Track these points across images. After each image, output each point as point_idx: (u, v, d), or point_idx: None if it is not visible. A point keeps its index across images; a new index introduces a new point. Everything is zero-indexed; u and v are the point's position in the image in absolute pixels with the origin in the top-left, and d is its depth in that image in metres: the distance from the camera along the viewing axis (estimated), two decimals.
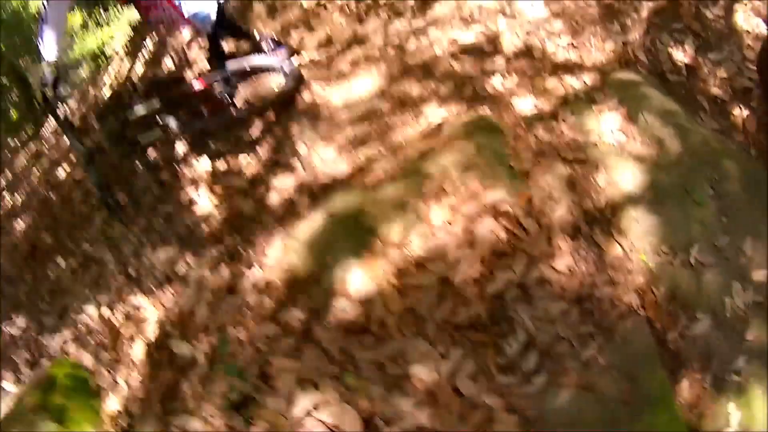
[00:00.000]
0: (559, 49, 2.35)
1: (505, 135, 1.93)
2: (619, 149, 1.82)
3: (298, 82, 2.77)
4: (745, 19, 2.46)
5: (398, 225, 1.73)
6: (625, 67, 2.23)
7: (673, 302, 1.52)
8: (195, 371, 1.78)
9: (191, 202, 2.61)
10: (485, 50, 2.48)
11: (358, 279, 1.69)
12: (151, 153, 2.94)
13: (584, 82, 2.15)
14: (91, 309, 2.34)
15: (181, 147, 2.88)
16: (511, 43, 2.45)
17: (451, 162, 1.77)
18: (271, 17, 3.25)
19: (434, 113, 2.21)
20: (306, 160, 2.39)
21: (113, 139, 2.81)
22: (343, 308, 1.59)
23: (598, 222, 1.64)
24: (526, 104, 2.10)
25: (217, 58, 2.76)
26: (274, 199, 2.33)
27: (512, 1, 2.65)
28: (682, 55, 2.32)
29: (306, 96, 2.72)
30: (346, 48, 2.94)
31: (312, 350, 1.53)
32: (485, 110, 2.11)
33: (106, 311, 2.32)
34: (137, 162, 2.96)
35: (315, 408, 1.44)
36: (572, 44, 2.36)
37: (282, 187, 2.34)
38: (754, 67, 2.31)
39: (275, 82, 2.86)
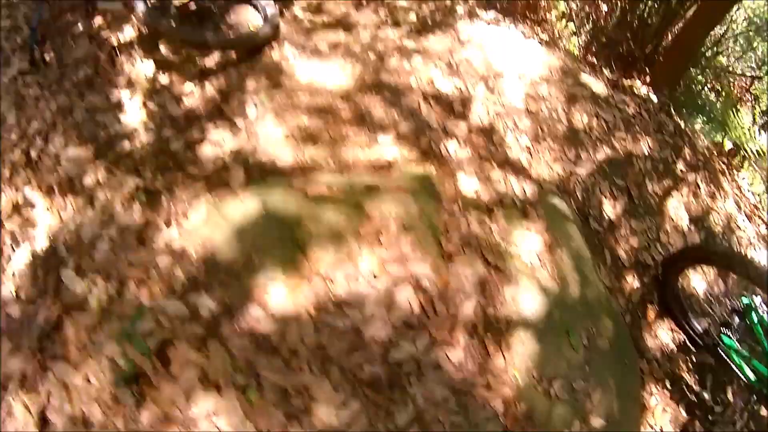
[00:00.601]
0: (516, 146, 2.65)
1: (443, 206, 2.18)
2: (531, 272, 2.12)
3: (274, 31, 2.84)
4: (674, 208, 3.00)
5: (330, 255, 1.86)
6: (560, 195, 2.59)
7: (529, 421, 1.81)
8: (84, 317, 1.75)
9: (120, 105, 2.57)
10: (454, 108, 2.71)
11: (280, 294, 1.79)
12: (100, 22, 2.88)
13: (523, 190, 2.44)
14: None
15: (131, 33, 2.82)
16: (478, 115, 2.71)
17: (394, 214, 1.96)
18: None
19: (388, 148, 2.36)
20: (250, 126, 2.43)
21: None
22: (258, 318, 1.69)
23: (493, 330, 1.90)
24: (469, 184, 2.34)
25: None
26: (206, 152, 2.34)
27: (498, 77, 2.98)
28: (611, 209, 2.75)
29: (274, 54, 2.77)
30: (332, 25, 3.09)
31: (219, 350, 1.60)
32: (432, 170, 2.32)
33: None
34: (81, 24, 2.89)
35: (214, 413, 1.52)
36: (529, 148, 2.68)
37: (218, 141, 2.36)
38: (661, 250, 2.83)
39: (252, 21, 2.92)
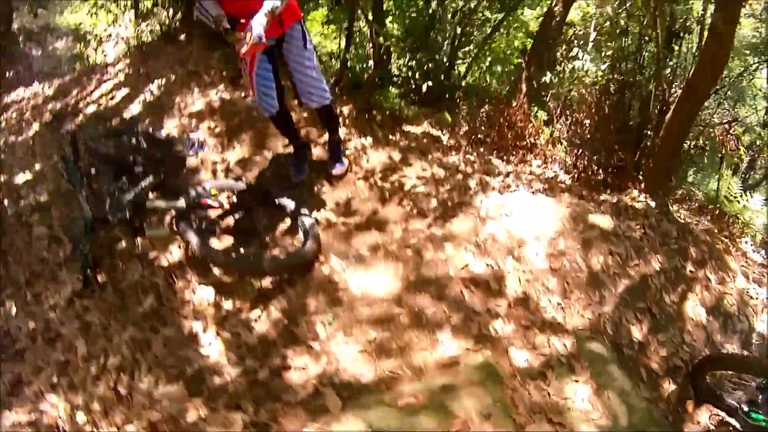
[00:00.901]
0: (550, 307, 3.47)
1: (506, 384, 2.95)
2: (585, 417, 2.86)
3: (318, 244, 3.62)
4: (692, 308, 3.78)
5: None
6: (595, 337, 3.36)
7: None
8: None
9: (195, 337, 3.16)
10: (491, 287, 3.55)
11: None
12: (146, 242, 3.64)
13: (564, 346, 3.22)
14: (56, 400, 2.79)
15: (179, 254, 3.58)
16: (513, 287, 3.54)
17: (473, 407, 2.71)
18: None
19: (449, 344, 3.15)
20: (324, 346, 3.17)
21: (115, 209, 3.36)
22: None
23: None
24: (520, 357, 3.11)
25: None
26: (294, 378, 2.97)
27: (522, 244, 3.84)
28: (638, 332, 3.51)
29: (324, 268, 3.62)
30: (365, 226, 3.97)
31: None
32: (488, 353, 3.10)
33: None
34: (126, 242, 3.65)
35: None
36: (560, 305, 3.49)
37: (301, 366, 3.05)
38: (688, 349, 3.57)
39: (296, 237, 3.79)
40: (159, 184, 3.72)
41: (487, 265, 3.73)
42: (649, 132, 5.28)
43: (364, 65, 6.16)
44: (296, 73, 3.84)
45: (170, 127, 4.78)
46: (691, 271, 4.03)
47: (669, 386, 3.39)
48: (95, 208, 3.38)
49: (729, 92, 6.95)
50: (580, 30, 7.49)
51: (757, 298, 4.12)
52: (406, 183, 4.42)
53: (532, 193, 4.49)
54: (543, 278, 3.68)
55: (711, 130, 6.34)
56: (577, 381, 3.10)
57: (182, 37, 6.24)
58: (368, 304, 3.46)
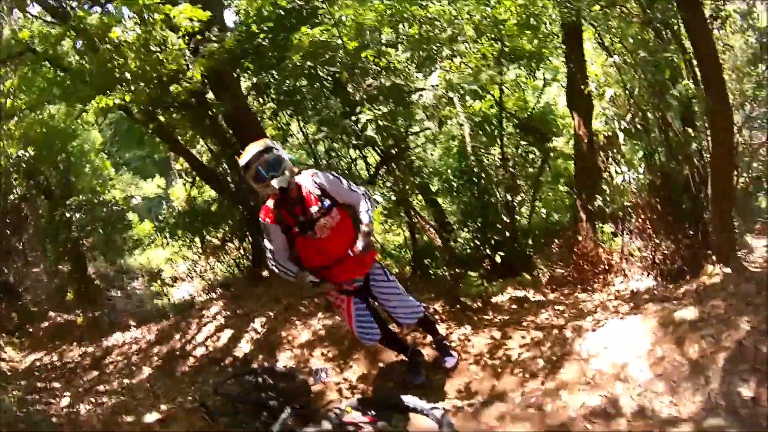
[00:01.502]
0: (664, 407, 4.32)
1: None
2: None
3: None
4: None
5: None
6: (710, 413, 4.16)
7: None
8: None
9: None
10: (609, 413, 4.47)
11: None
12: None
13: None
14: None
15: None
16: (628, 405, 4.44)
17: None
18: None
19: None
20: None
21: None
22: None
23: None
24: None
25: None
26: None
27: (625, 367, 4.83)
28: (747, 391, 4.23)
29: None
30: (487, 401, 5.06)
31: None
32: None
33: None
34: None
35: None
36: (672, 402, 4.32)
37: None
38: None
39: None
40: (296, 414, 4.52)
41: (600, 395, 4.71)
42: (698, 209, 6.40)
43: (436, 262, 7.68)
44: (388, 303, 4.98)
45: (285, 360, 6.05)
46: None
47: None
48: None
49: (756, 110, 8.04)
50: (608, 134, 8.90)
51: None
52: (512, 354, 5.64)
53: (621, 318, 5.56)
54: (651, 387, 4.60)
55: (756, 153, 7.33)
56: None
57: (265, 272, 7.81)
58: None
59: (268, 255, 4.73)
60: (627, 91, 7.30)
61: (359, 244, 4.52)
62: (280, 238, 4.63)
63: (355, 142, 7.01)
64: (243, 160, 4.50)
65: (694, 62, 6.15)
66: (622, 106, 7.77)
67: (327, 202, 4.59)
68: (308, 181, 4.64)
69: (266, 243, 4.70)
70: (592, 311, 5.99)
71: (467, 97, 7.91)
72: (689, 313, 5.19)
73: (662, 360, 4.84)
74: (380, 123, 6.45)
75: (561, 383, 5.07)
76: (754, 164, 7.33)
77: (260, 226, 4.70)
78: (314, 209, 4.58)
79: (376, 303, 5.15)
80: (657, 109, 6.68)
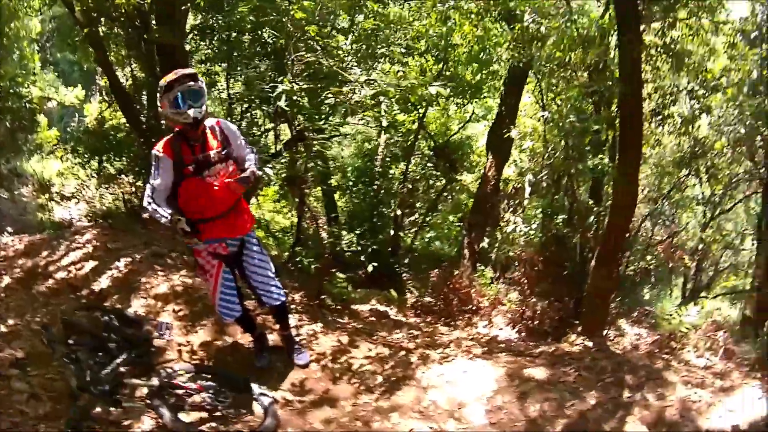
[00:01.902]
0: None
1: None
2: None
3: (277, 421, 4.23)
4: (632, 427, 4.31)
5: None
6: None
7: None
8: None
9: None
10: None
11: None
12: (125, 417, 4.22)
13: None
14: None
15: (151, 424, 4.15)
16: None
17: None
18: None
19: None
20: None
21: (96, 383, 3.96)
22: None
23: None
24: None
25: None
26: None
27: (462, 406, 4.56)
28: None
29: None
30: (318, 403, 4.68)
31: None
32: None
33: None
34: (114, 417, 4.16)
35: None
36: None
37: None
38: None
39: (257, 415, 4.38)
40: (131, 362, 4.42)
41: (430, 428, 4.39)
42: (578, 278, 6.35)
43: (311, 253, 7.30)
44: (254, 277, 4.69)
45: (137, 306, 5.64)
46: (628, 397, 4.67)
47: None
48: (77, 378, 4.03)
49: (666, 208, 8.25)
50: (516, 185, 8.86)
51: (700, 401, 4.68)
52: (354, 363, 5.27)
53: (470, 359, 5.31)
54: None
55: (653, 248, 7.46)
56: None
57: (146, 215, 7.34)
58: None
59: (147, 192, 4.31)
60: (546, 149, 7.15)
61: (239, 178, 4.36)
62: (167, 175, 4.28)
63: (271, 111, 6.46)
64: (167, 80, 4.18)
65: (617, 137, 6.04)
66: (538, 162, 7.66)
67: (226, 150, 4.43)
68: (214, 125, 4.50)
69: (150, 179, 4.34)
70: (445, 344, 5.72)
71: (395, 106, 7.62)
72: (539, 373, 5.03)
73: (500, 410, 4.62)
74: (295, 99, 5.95)
75: (395, 404, 4.75)
76: (648, 257, 7.37)
77: (151, 158, 4.34)
78: (213, 152, 4.39)
79: (240, 280, 4.84)
80: (569, 174, 6.54)
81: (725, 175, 8.53)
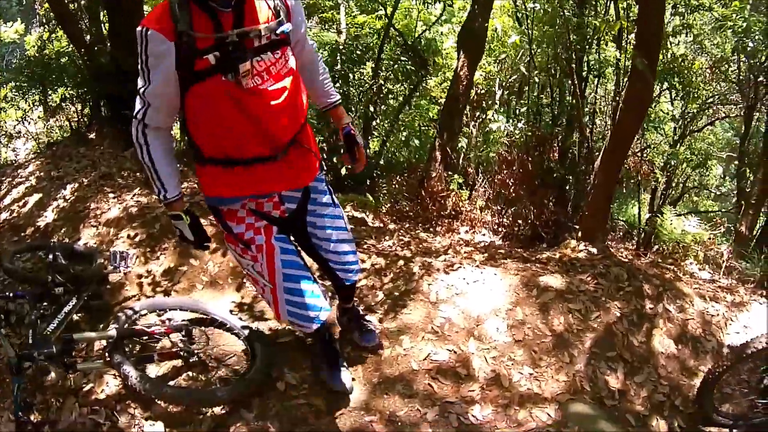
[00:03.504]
0: (523, 378, 3.64)
1: None
2: None
3: (268, 363, 3.49)
4: (660, 343, 4.07)
5: None
6: (575, 397, 3.55)
7: None
8: None
9: None
10: (459, 373, 3.68)
11: None
12: (85, 380, 3.56)
13: (548, 415, 3.37)
14: None
15: (116, 385, 3.47)
16: (481, 369, 3.69)
17: None
18: None
19: None
20: None
21: (40, 345, 3.22)
22: None
23: None
24: None
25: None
26: None
27: (480, 322, 4.06)
28: (615, 381, 3.73)
29: (280, 385, 3.57)
30: None
31: None
32: None
33: None
34: (55, 375, 3.52)
35: None
36: (532, 375, 3.67)
37: None
38: (666, 383, 3.84)
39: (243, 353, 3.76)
40: (84, 307, 3.72)
41: (450, 351, 3.89)
42: (571, 180, 5.86)
43: None
44: (328, 244, 3.05)
45: (87, 238, 4.83)
46: (650, 308, 4.35)
47: (658, 423, 3.64)
48: (17, 344, 3.33)
49: None
50: (482, 89, 8.22)
51: (718, 314, 4.49)
52: None
53: (477, 267, 4.76)
54: (509, 352, 3.89)
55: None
56: None
57: (92, 135, 6.39)
58: (337, 416, 3.49)
59: (137, 112, 2.49)
60: (528, 44, 6.45)
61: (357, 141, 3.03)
62: (167, 76, 2.36)
63: None
64: None
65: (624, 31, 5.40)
66: (516, 62, 6.97)
67: (285, 27, 2.49)
68: None
69: (139, 87, 2.45)
70: (442, 251, 5.09)
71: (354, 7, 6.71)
72: (555, 281, 4.56)
73: (523, 324, 4.13)
74: None
75: (403, 326, 4.13)
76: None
77: (137, 44, 2.35)
78: (263, 28, 2.42)
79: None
80: (562, 66, 5.88)
81: (701, 94, 8.08)
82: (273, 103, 2.51)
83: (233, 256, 3.05)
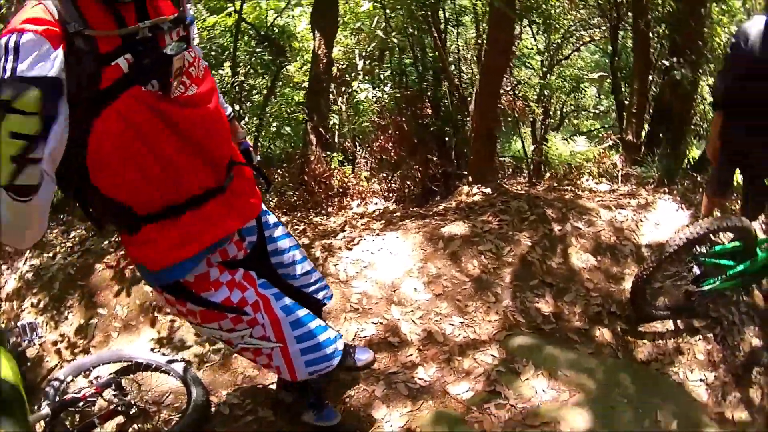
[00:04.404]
0: (456, 329, 3.47)
1: (470, 423, 2.87)
2: (559, 405, 2.89)
3: (205, 392, 3.18)
4: (579, 259, 4.04)
5: None
6: (512, 332, 3.43)
7: None
8: None
9: None
10: (392, 342, 3.45)
11: None
12: None
13: (493, 356, 3.24)
14: None
15: None
16: (412, 331, 3.49)
17: None
18: None
19: (390, 418, 2.97)
20: None
21: None
22: None
23: None
24: (461, 389, 3.06)
25: None
26: None
27: (396, 288, 3.83)
28: (546, 306, 3.67)
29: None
30: None
31: None
32: (431, 404, 3.01)
33: None
34: None
35: None
36: (463, 323, 3.51)
37: None
38: (596, 293, 3.83)
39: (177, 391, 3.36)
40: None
41: (375, 323, 3.65)
42: (449, 130, 5.72)
43: None
44: (295, 269, 2.47)
45: None
46: (559, 230, 4.31)
47: (601, 332, 3.63)
48: None
49: None
50: (344, 64, 7.95)
51: (627, 219, 4.54)
52: None
53: (377, 234, 4.53)
54: (433, 308, 3.71)
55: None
56: (527, 379, 3.15)
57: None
58: (288, 418, 3.12)
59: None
60: (382, 8, 6.26)
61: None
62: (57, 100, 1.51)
63: None
64: None
65: None
66: (369, 31, 6.76)
67: (188, 20, 1.86)
68: None
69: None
70: (339, 229, 4.86)
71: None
72: (458, 228, 4.42)
73: (439, 278, 3.96)
74: None
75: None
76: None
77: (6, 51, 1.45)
78: (173, 19, 1.76)
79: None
80: (419, 23, 5.71)
81: (563, 24, 8.16)
82: (206, 113, 1.86)
83: (217, 336, 2.26)
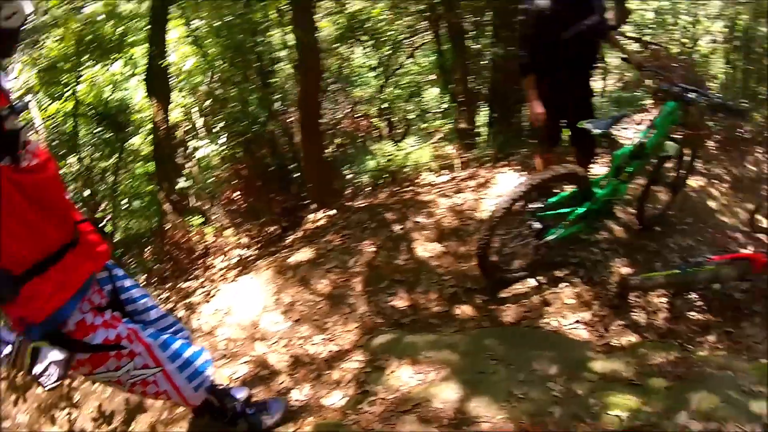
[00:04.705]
0: (319, 347, 3.62)
1: (346, 426, 2.96)
2: (425, 383, 3.00)
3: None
4: (424, 249, 4.30)
5: None
6: (373, 333, 3.60)
7: None
8: None
9: None
10: (263, 375, 3.52)
11: None
12: None
13: (359, 361, 3.35)
14: None
15: None
16: (280, 360, 3.59)
17: None
18: None
19: None
20: None
21: None
22: None
23: None
24: (335, 398, 3.17)
25: None
26: None
27: (256, 325, 3.94)
28: (401, 302, 3.89)
29: None
30: None
31: None
32: (310, 420, 3.04)
33: None
34: None
35: None
36: (325, 339, 3.66)
37: None
38: (449, 276, 4.06)
39: None
40: None
41: (245, 363, 3.72)
42: (288, 165, 5.87)
43: None
44: (152, 314, 2.61)
45: None
46: (400, 229, 4.57)
47: (462, 309, 3.87)
48: None
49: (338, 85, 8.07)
50: (188, 125, 7.91)
51: (466, 202, 4.87)
52: None
53: (231, 282, 4.66)
54: (295, 334, 3.84)
55: (339, 127, 7.30)
56: (393, 371, 3.24)
57: None
58: None
59: None
60: (205, 59, 6.34)
61: None
62: None
63: None
64: None
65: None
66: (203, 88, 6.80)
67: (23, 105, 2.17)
68: None
69: None
70: (198, 288, 4.96)
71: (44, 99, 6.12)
72: (303, 254, 4.63)
73: (293, 305, 4.12)
74: None
75: None
76: (337, 139, 7.12)
77: None
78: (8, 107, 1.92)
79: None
80: (241, 70, 5.84)
81: (390, 36, 8.41)
82: (50, 177, 2.06)
83: (108, 379, 2.39)
